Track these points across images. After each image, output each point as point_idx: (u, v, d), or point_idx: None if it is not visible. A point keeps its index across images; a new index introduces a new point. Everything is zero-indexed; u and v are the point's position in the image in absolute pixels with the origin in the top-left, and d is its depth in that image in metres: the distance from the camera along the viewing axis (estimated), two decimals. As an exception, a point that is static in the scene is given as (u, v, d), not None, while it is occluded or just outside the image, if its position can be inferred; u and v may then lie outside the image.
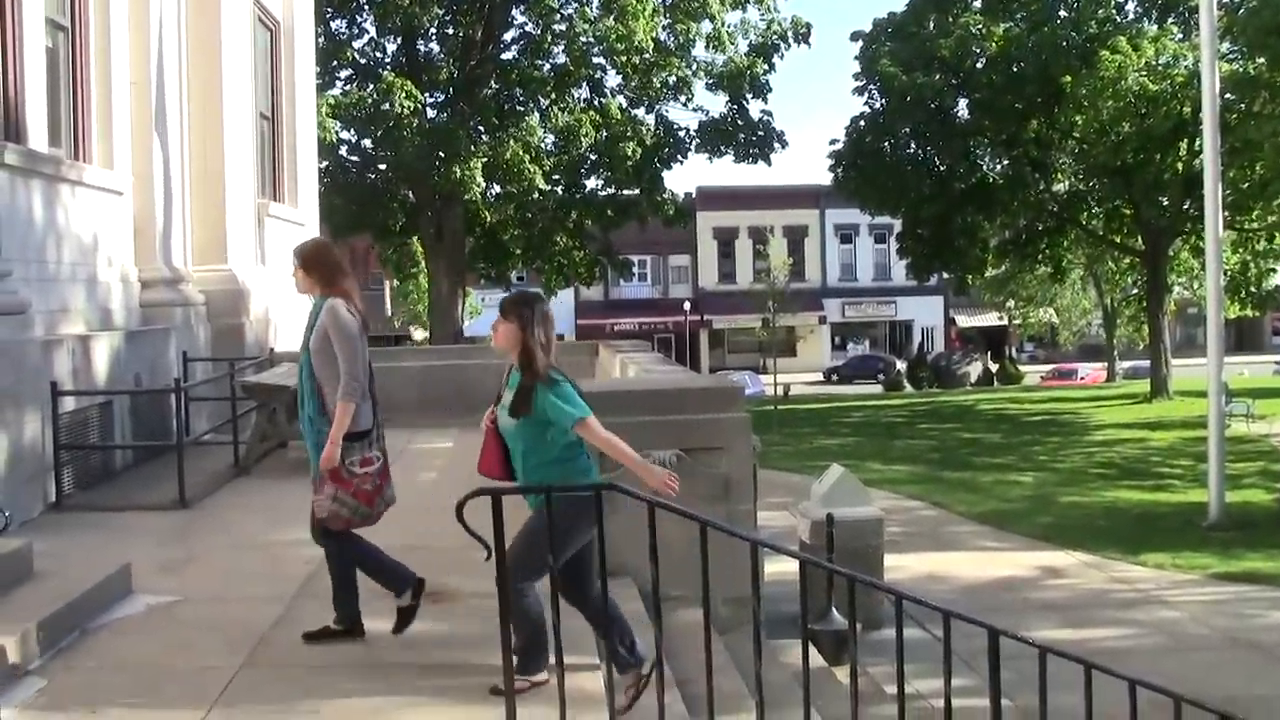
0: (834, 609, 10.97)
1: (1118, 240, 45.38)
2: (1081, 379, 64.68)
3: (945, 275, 49.70)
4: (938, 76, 40.03)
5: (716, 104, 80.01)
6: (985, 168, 42.97)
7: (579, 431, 6.22)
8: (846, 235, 77.97)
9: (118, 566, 8.10)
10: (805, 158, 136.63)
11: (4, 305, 10.30)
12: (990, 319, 77.21)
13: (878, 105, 42.31)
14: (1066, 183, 44.32)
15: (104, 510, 10.95)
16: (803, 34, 39.94)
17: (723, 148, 40.09)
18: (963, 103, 41.98)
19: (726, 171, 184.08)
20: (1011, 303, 71.22)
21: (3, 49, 11.66)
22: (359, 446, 6.92)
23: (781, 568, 10.87)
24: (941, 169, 42.25)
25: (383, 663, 6.77)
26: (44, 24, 12.50)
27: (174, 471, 11.26)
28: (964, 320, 79.32)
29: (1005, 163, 42.97)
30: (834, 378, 71.40)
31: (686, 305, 73.03)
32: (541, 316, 6.42)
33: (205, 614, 7.76)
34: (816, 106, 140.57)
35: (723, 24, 38.84)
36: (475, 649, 6.67)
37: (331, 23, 37.18)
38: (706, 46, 38.98)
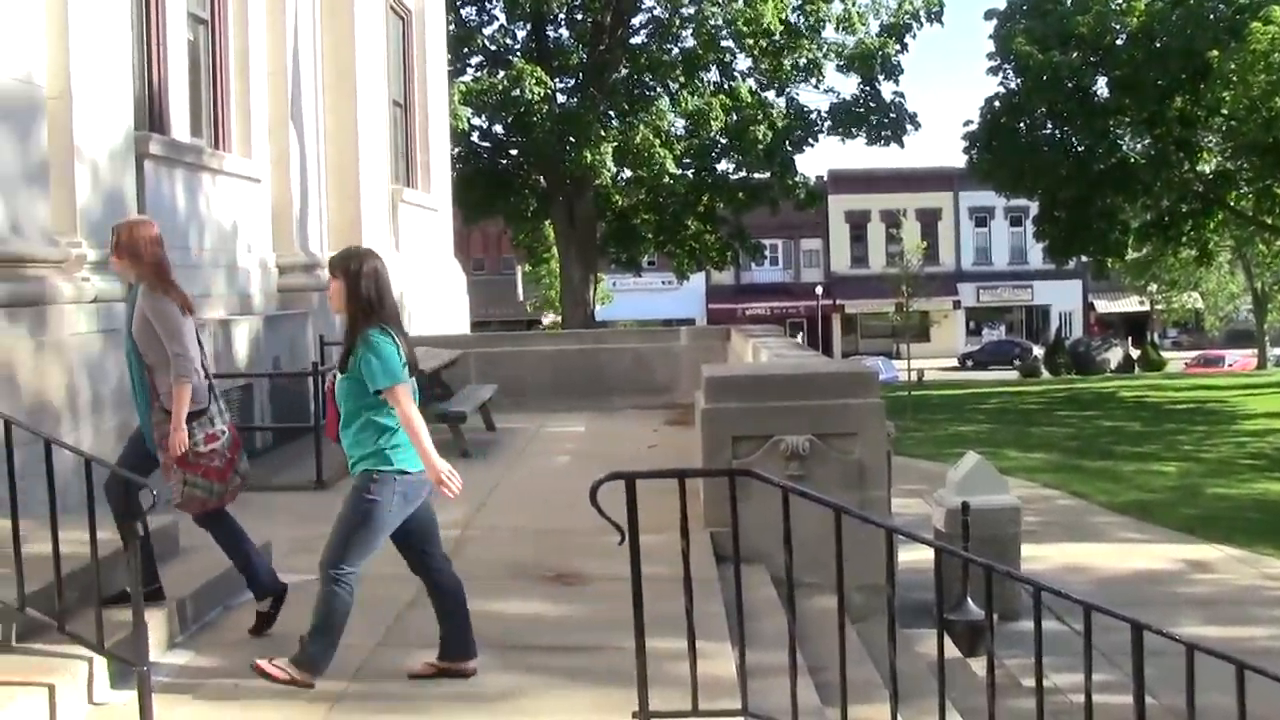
0: (969, 599, 10.83)
1: (1268, 221, 44.05)
2: (1229, 366, 63.02)
3: (1084, 259, 48.72)
4: (1075, 54, 39.15)
5: (848, 86, 79.32)
6: (1126, 147, 41.84)
7: (386, 397, 5.99)
8: (981, 218, 76.85)
9: (258, 544, 8.24)
10: (939, 139, 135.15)
11: (150, 290, 10.53)
12: (1131, 304, 75.67)
13: (1013, 85, 41.49)
14: (1213, 162, 43.05)
15: (245, 489, 11.13)
16: (935, 13, 39.43)
17: (854, 130, 39.73)
18: (1102, 81, 40.90)
19: (858, 154, 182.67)
20: (1154, 287, 69.70)
21: (147, 43, 11.93)
22: (199, 425, 6.72)
23: (916, 556, 10.76)
24: (1080, 149, 41.24)
25: (516, 644, 6.81)
26: (185, 18, 12.77)
27: (311, 453, 11.44)
28: (1103, 305, 77.84)
29: (1147, 142, 41.75)
30: (969, 363, 70.48)
31: (818, 289, 72.59)
32: (370, 272, 6.10)
33: (343, 592, 7.86)
34: (950, 87, 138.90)
35: (853, 4, 38.47)
36: (608, 632, 6.68)
37: (462, 10, 37.47)
38: (837, 28, 38.62)
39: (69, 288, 9.28)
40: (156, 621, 6.34)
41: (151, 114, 11.96)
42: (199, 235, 12.61)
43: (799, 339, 56.53)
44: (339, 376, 6.17)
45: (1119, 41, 39.19)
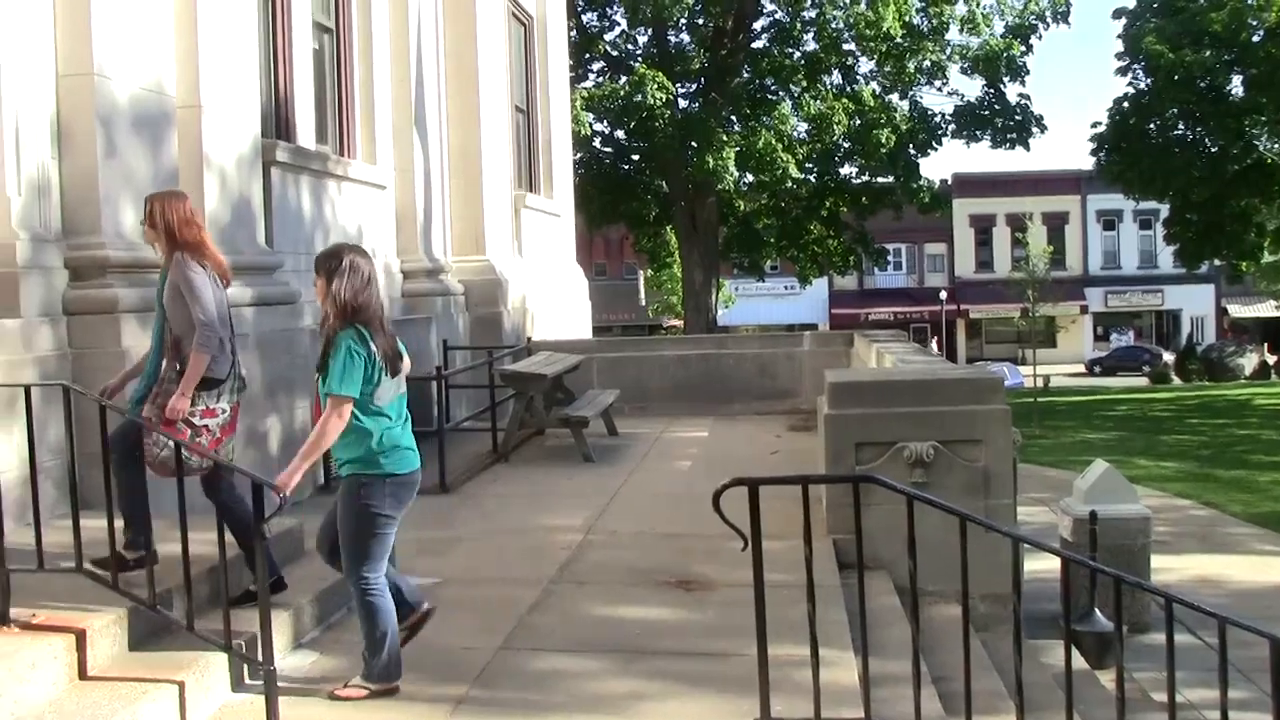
0: (1097, 610, 10.60)
1: None
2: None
3: (1217, 262, 47.65)
4: (1209, 53, 38.22)
5: (972, 88, 78.31)
6: (1262, 148, 40.73)
7: (329, 401, 5.92)
8: (1109, 221, 75.54)
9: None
10: (1066, 141, 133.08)
11: (276, 295, 10.69)
12: (1267, 308, 73.77)
13: (1143, 85, 40.69)
14: (1355, 162, 41.79)
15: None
16: (1062, 13, 38.82)
17: (979, 133, 39.26)
18: (1237, 79, 39.88)
19: (983, 157, 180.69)
20: (1291, 291, 67.97)
21: (273, 52, 12.10)
22: (205, 397, 6.67)
23: (1042, 565, 10.60)
24: (1213, 150, 40.23)
25: (639, 648, 6.80)
26: (310, 27, 12.93)
27: (435, 456, 11.51)
28: (1237, 310, 76.05)
29: (1285, 142, 40.69)
30: (1096, 369, 69.26)
31: (942, 294, 71.85)
32: (349, 269, 6.02)
33: (465, 595, 7.92)
34: (1077, 87, 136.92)
35: (978, 5, 38.00)
36: (730, 638, 6.65)
37: (583, 16, 37.60)
38: (961, 29, 38.18)
39: (198, 293, 9.41)
40: (282, 622, 6.41)
41: (278, 122, 12.14)
42: (324, 241, 12.75)
43: (932, 346, 56.10)
44: (319, 378, 6.11)
45: (1255, 38, 38.16)
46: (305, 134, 12.63)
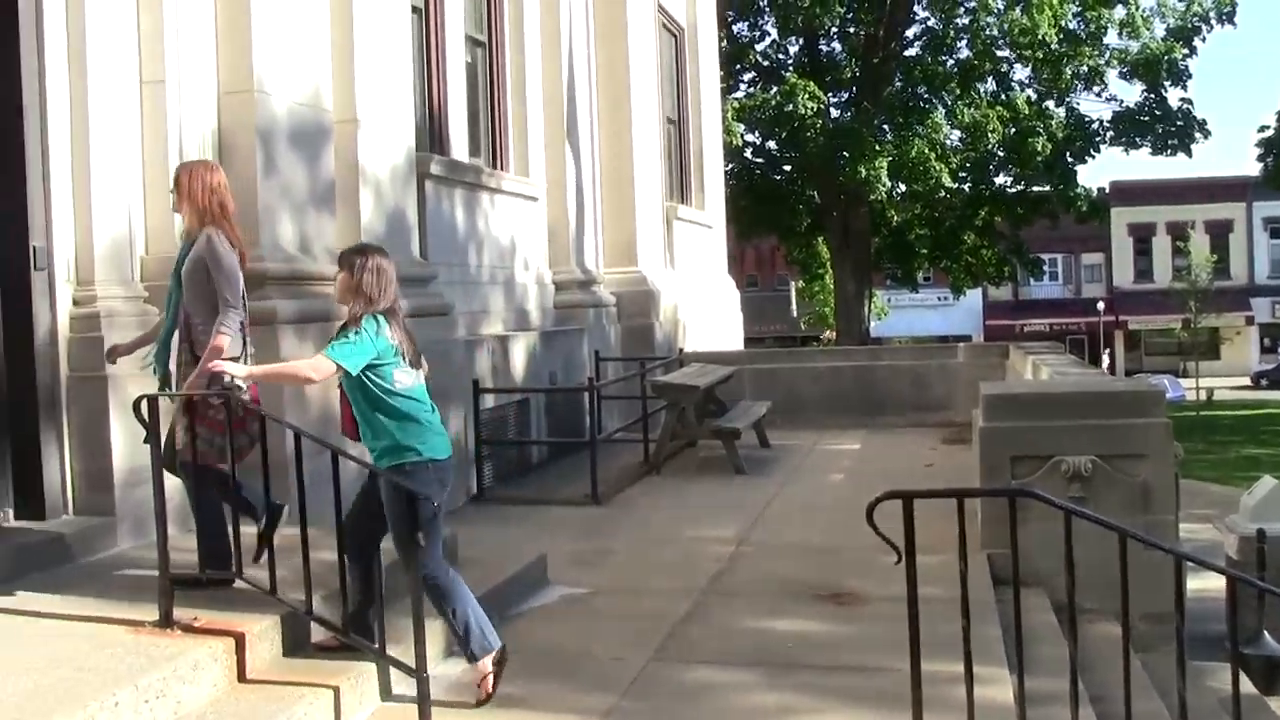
0: (1266, 633, 10.28)
1: None
2: None
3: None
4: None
5: (1131, 93, 76.66)
6: None
7: (314, 361, 6.07)
8: (1277, 229, 73.45)
9: (535, 557, 8.39)
10: (1230, 146, 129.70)
11: (431, 307, 10.82)
12: None
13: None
14: None
15: (521, 503, 11.36)
16: (1226, 14, 37.82)
17: (1138, 139, 38.39)
18: None
19: (1143, 164, 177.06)
20: None
21: (427, 66, 12.28)
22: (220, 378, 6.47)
23: (1206, 584, 10.29)
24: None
25: (789, 662, 6.74)
26: (463, 41, 13.09)
27: (587, 467, 11.57)
28: None
29: None
30: (1263, 382, 67.22)
31: (1100, 305, 70.43)
32: (374, 268, 6.14)
33: (616, 606, 7.93)
34: (1244, 89, 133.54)
35: (1137, 8, 37.19)
36: (882, 653, 6.56)
37: (734, 26, 37.54)
38: (1120, 33, 37.41)
39: (354, 304, 9.55)
40: (435, 631, 6.46)
41: (432, 135, 12.30)
42: (477, 253, 12.91)
43: (1105, 359, 54.95)
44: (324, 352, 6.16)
45: None
46: (459, 147, 12.79)
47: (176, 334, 6.71)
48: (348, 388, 6.15)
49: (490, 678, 6.10)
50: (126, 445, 7.39)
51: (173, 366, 6.77)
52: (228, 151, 8.82)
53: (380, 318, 6.10)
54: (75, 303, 7.75)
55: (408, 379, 6.16)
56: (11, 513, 7.55)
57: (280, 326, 8.63)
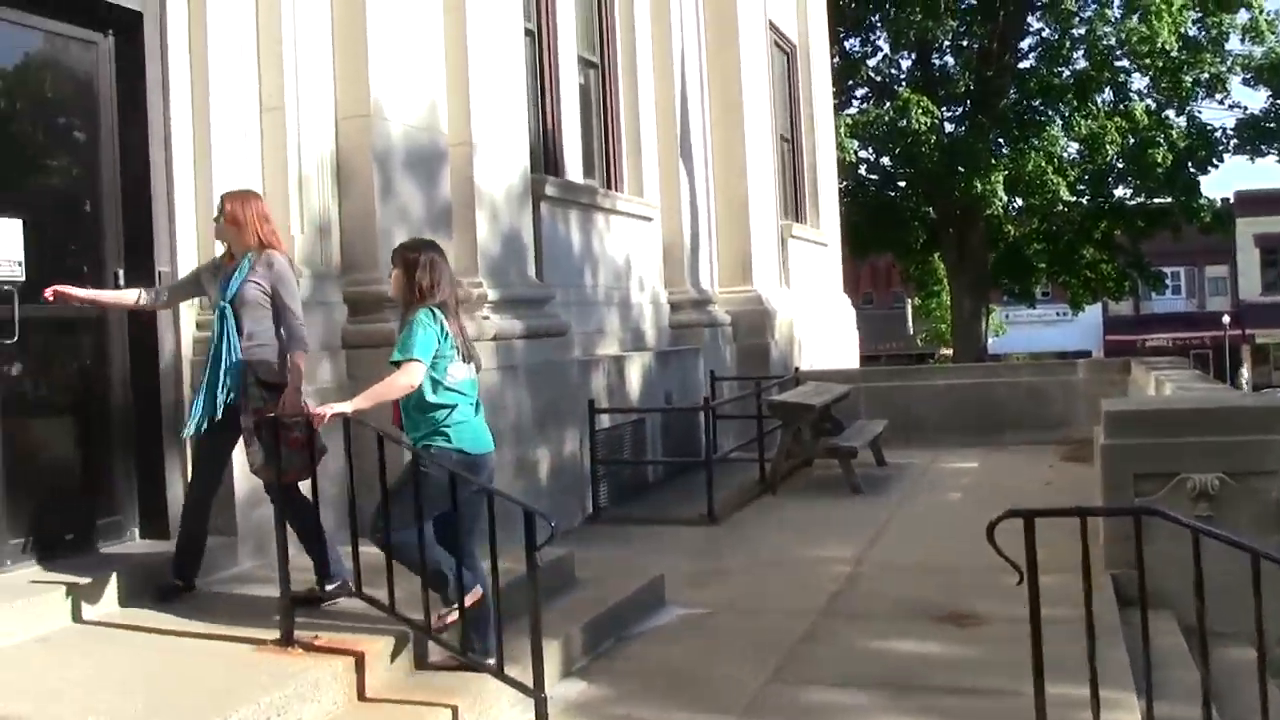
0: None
1: None
2: None
3: None
4: None
5: (1256, 100, 75.01)
6: None
7: (401, 367, 6.11)
8: None
9: (651, 577, 8.37)
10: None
11: (547, 327, 10.86)
12: None
13: None
14: None
15: (637, 523, 11.36)
16: (1357, 15, 36.81)
17: (1264, 147, 37.49)
18: None
19: (1269, 172, 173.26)
20: None
21: (541, 88, 12.36)
22: (271, 397, 6.62)
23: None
24: None
25: (909, 684, 6.66)
26: (576, 62, 13.17)
27: (703, 487, 11.54)
28: None
29: None
30: (1396, 394, 65.63)
31: (1225, 319, 69.05)
32: (428, 263, 6.30)
33: (733, 626, 7.89)
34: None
35: (1260, 11, 36.35)
36: (1004, 675, 6.45)
37: (845, 42, 37.37)
38: (1243, 39, 36.62)
39: (470, 326, 9.62)
40: (552, 650, 6.48)
41: (546, 156, 12.37)
42: (593, 273, 12.95)
43: (1244, 373, 53.77)
44: (390, 361, 6.30)
45: None
46: (573, 168, 12.85)
47: (228, 354, 6.74)
48: (391, 366, 6.29)
49: (454, 618, 6.19)
50: (246, 466, 7.49)
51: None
52: (345, 176, 8.95)
53: (436, 310, 6.24)
54: (198, 326, 7.89)
55: (460, 373, 6.32)
56: (137, 532, 7.71)
57: (398, 349, 8.70)
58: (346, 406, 6.23)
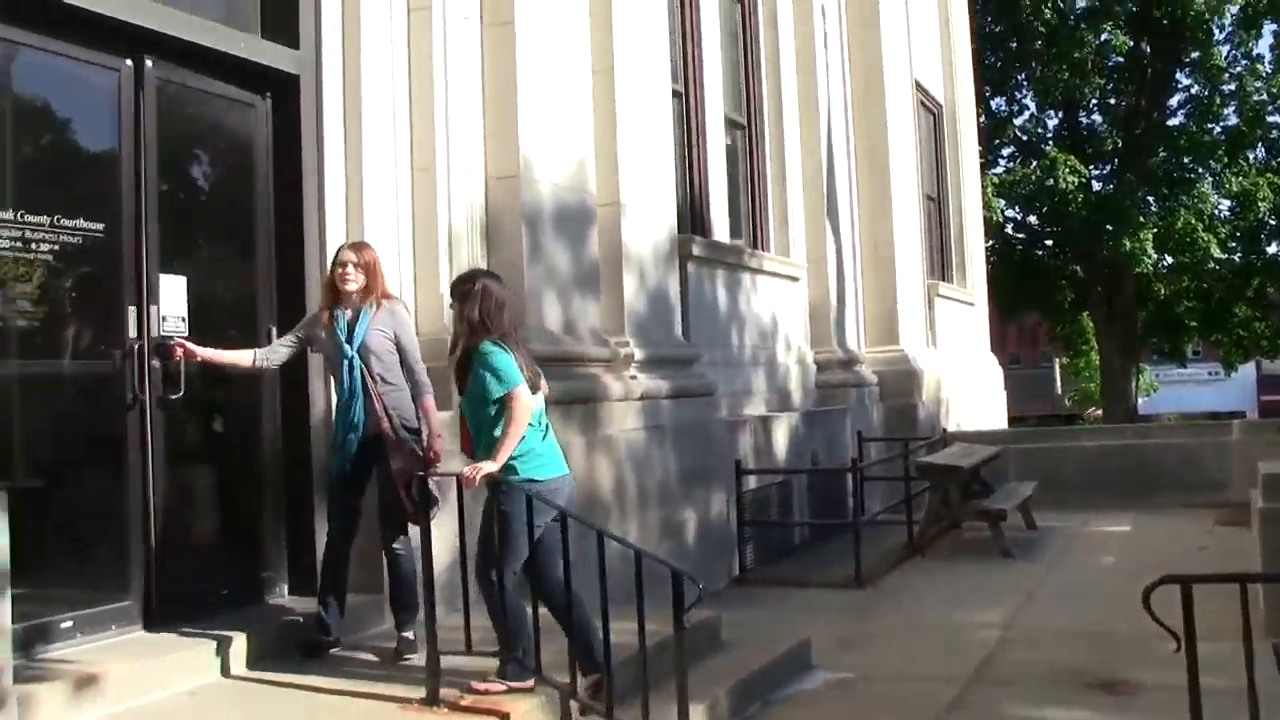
0: None
1: None
2: None
3: None
4: None
5: None
6: None
7: (506, 399, 6.10)
8: None
9: (797, 640, 8.28)
10: None
11: (694, 387, 10.87)
12: None
13: None
14: None
15: (783, 585, 11.27)
16: None
17: None
18: None
19: None
20: None
21: (688, 149, 12.43)
22: (417, 441, 6.84)
23: None
24: None
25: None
26: (723, 124, 13.22)
27: (849, 549, 11.42)
28: None
29: None
30: None
31: (1388, 377, 67.12)
32: (482, 291, 6.31)
33: (880, 692, 7.77)
34: None
35: None
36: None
37: (991, 101, 37.12)
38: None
39: (618, 386, 9.67)
40: (698, 714, 6.43)
41: (693, 216, 12.42)
42: (739, 333, 12.95)
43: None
44: (461, 398, 6.37)
45: None
46: (720, 228, 12.89)
47: (364, 400, 6.87)
48: (469, 410, 6.37)
49: (500, 689, 6.20)
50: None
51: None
52: (494, 234, 9.04)
53: (500, 342, 6.28)
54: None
55: (529, 402, 6.31)
56: (286, 588, 7.81)
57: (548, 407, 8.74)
58: (493, 466, 6.25)
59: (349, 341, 6.93)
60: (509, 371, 6.22)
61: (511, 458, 6.26)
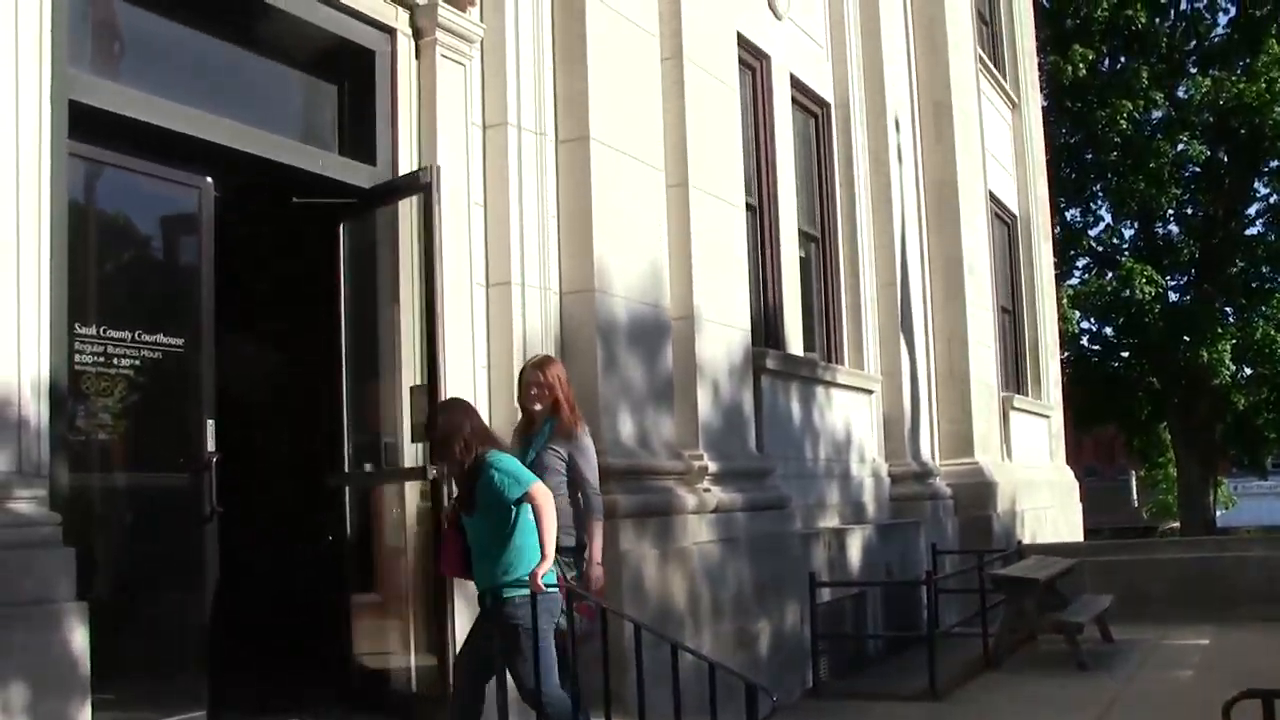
0: None
1: None
2: None
3: None
4: None
5: None
6: None
7: (533, 491, 6.23)
8: None
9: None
10: None
11: (767, 500, 10.87)
12: None
13: None
14: None
15: (858, 698, 11.16)
16: None
17: None
18: None
19: None
20: None
21: (762, 262, 12.54)
22: (576, 561, 6.85)
23: None
24: None
25: None
26: (796, 236, 13.33)
27: (924, 662, 11.31)
28: None
29: None
30: None
31: None
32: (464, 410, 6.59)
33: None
34: None
35: None
36: None
37: (1066, 212, 37.05)
38: None
39: (692, 498, 9.69)
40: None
41: (767, 328, 12.50)
42: (813, 446, 12.94)
43: None
44: (465, 517, 6.44)
45: None
46: (793, 340, 12.94)
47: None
48: (494, 518, 6.38)
49: None
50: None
51: None
52: (569, 347, 9.11)
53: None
54: (420, 495, 8.08)
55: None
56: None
57: (621, 520, 8.77)
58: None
59: (525, 455, 7.11)
60: (520, 470, 6.39)
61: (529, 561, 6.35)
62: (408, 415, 8.14)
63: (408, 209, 8.24)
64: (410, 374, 8.21)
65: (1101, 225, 38.69)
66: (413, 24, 8.54)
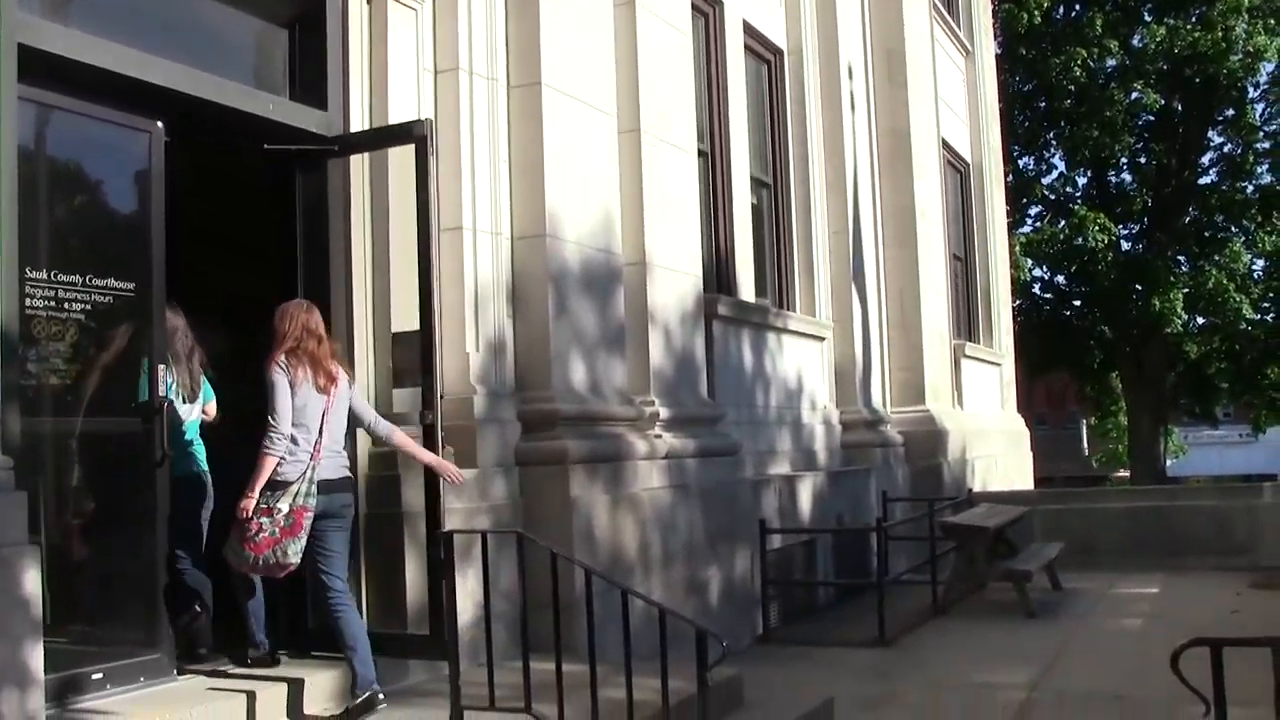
0: None
1: None
2: None
3: None
4: None
5: None
6: None
7: None
8: None
9: (820, 700, 8.25)
10: None
11: (719, 447, 10.89)
12: None
13: None
14: None
15: (807, 644, 11.22)
16: None
17: None
18: None
19: None
20: None
21: (713, 209, 12.49)
22: (269, 497, 6.72)
23: None
24: None
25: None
26: (749, 182, 13.29)
27: (874, 609, 11.39)
28: None
29: None
30: None
31: None
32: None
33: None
34: None
35: None
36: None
37: (1019, 160, 37.13)
38: None
39: (643, 444, 9.69)
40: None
41: (719, 275, 12.48)
42: (764, 392, 12.96)
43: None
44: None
45: None
46: (745, 287, 12.92)
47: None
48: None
49: None
50: (416, 579, 7.66)
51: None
52: (520, 294, 9.07)
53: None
54: (374, 443, 8.04)
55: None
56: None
57: (571, 466, 8.77)
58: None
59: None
60: None
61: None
62: (371, 362, 8.16)
63: (361, 162, 8.20)
64: (367, 324, 8.18)
65: (1055, 173, 38.75)
66: (363, -33, 8.45)
